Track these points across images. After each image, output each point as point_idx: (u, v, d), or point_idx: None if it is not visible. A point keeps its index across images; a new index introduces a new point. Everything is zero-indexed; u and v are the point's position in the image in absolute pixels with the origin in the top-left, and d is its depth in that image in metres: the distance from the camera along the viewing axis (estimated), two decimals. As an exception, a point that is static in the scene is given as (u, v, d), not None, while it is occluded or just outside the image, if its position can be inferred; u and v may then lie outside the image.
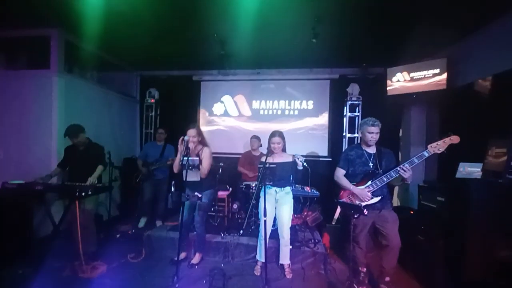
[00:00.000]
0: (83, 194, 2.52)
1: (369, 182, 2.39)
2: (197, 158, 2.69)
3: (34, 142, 3.51)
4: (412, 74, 3.79)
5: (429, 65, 3.63)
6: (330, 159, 4.70)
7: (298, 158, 2.54)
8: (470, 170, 2.64)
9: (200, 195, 2.60)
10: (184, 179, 2.61)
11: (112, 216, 4.26)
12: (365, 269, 2.61)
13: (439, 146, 2.18)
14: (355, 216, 2.22)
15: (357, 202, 2.39)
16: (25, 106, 3.55)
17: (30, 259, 2.72)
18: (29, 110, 3.54)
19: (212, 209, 3.83)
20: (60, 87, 3.56)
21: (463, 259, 2.24)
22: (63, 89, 3.59)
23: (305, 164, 2.57)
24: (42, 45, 3.57)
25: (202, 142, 2.91)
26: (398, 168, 2.25)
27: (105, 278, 2.69)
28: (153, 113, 5.18)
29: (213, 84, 5.21)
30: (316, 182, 3.92)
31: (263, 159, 2.64)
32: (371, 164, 2.43)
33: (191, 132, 2.78)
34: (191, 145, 2.71)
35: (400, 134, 4.60)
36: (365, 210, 2.18)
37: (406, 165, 2.23)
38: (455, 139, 2.16)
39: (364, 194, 2.37)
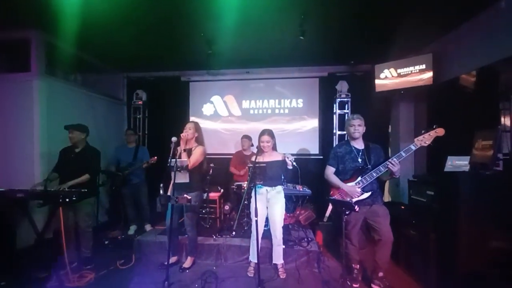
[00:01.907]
0: (67, 200, 2.42)
1: (359, 178, 2.39)
2: (186, 160, 2.64)
3: (16, 148, 3.37)
4: (399, 71, 3.82)
5: (415, 61, 3.67)
6: (322, 156, 4.70)
7: (288, 158, 2.51)
8: (458, 163, 2.66)
9: (189, 197, 2.53)
10: (173, 181, 2.56)
11: (101, 221, 4.15)
12: (358, 265, 2.61)
13: (425, 139, 2.21)
14: (347, 212, 2.21)
15: (348, 198, 2.39)
16: (5, 110, 3.41)
17: (13, 270, 2.61)
18: (9, 115, 3.40)
19: (204, 211, 3.76)
20: (42, 90, 3.43)
21: (455, 252, 2.25)
22: (44, 93, 3.46)
23: (294, 163, 2.55)
24: (22, 47, 3.43)
25: (198, 140, 2.89)
26: (387, 163, 2.28)
27: (93, 286, 2.60)
28: (141, 115, 5.08)
29: (202, 84, 5.15)
30: (308, 180, 3.91)
31: (253, 158, 2.60)
32: (360, 160, 2.44)
33: (189, 125, 2.85)
34: (184, 135, 2.75)
35: (389, 130, 4.64)
36: (356, 207, 2.18)
37: (394, 159, 2.26)
38: (440, 131, 2.20)
39: (353, 190, 2.37)
